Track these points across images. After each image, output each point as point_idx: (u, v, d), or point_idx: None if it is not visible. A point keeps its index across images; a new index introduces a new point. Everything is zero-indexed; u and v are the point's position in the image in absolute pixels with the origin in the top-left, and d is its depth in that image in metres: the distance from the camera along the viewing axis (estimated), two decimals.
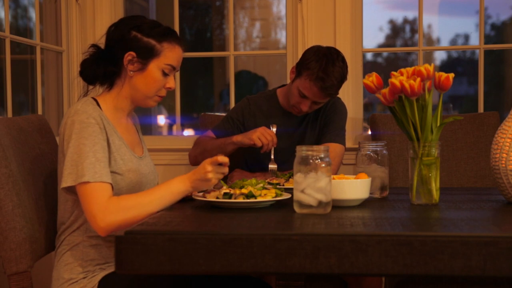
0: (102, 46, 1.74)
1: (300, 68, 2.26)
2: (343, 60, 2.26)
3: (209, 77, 5.11)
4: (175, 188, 1.57)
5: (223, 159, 1.56)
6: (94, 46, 1.73)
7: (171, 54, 1.70)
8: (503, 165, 1.58)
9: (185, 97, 4.06)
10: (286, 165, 2.29)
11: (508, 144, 1.58)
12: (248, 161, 2.43)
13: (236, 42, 4.11)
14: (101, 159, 1.55)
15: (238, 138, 2.20)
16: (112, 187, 1.57)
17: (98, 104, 1.67)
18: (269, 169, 2.23)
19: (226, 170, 1.58)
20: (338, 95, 2.49)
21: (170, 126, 4.81)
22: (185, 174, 1.59)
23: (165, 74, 1.70)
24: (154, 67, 1.68)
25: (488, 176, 2.57)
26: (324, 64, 2.20)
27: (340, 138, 2.35)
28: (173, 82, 1.74)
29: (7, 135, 1.71)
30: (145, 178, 1.73)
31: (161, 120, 4.97)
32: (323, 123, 2.40)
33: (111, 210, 1.50)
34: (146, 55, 1.67)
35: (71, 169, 1.54)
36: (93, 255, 1.65)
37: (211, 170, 1.55)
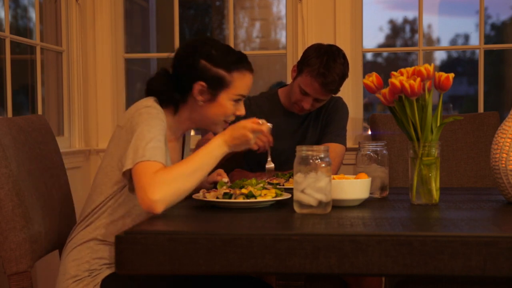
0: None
1: (301, 65, 2.27)
2: (344, 57, 2.27)
3: None
4: (217, 152, 1.51)
5: (266, 126, 1.54)
6: (163, 69, 1.72)
7: (241, 84, 1.68)
8: (503, 165, 1.58)
9: None
10: (287, 165, 2.28)
11: (508, 144, 1.58)
12: (248, 162, 2.42)
13: (236, 42, 4.11)
14: (161, 146, 1.50)
15: None
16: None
17: None
18: (266, 169, 2.22)
19: (264, 127, 1.56)
20: (339, 95, 2.49)
21: None
22: (221, 136, 1.54)
23: (235, 103, 1.70)
24: (225, 98, 1.67)
25: (488, 176, 2.57)
26: (325, 61, 2.21)
27: (340, 138, 2.35)
28: (243, 109, 1.73)
29: (7, 135, 1.71)
30: None
31: None
32: (324, 123, 2.39)
33: (159, 181, 1.40)
34: (216, 86, 1.66)
35: (133, 154, 1.48)
36: (101, 254, 1.64)
37: (252, 137, 1.53)
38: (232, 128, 1.55)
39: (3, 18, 2.51)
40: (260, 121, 1.57)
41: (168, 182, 1.41)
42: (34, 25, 2.72)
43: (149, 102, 1.62)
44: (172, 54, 1.76)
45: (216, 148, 1.52)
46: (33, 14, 2.75)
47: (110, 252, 1.64)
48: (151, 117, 1.56)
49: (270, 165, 2.23)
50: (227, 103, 1.68)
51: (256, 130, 1.53)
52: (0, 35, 2.41)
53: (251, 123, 1.54)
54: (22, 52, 2.82)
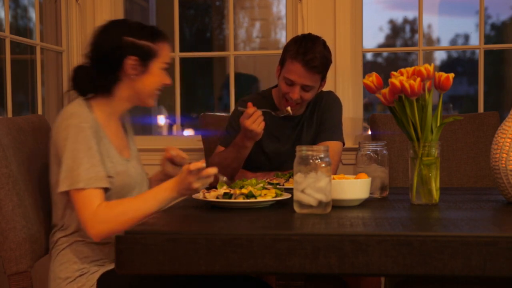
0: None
1: (282, 57, 2.27)
2: (324, 43, 2.25)
3: (209, 77, 5.11)
4: (161, 196, 1.57)
5: (202, 164, 1.51)
6: (80, 66, 1.75)
7: (166, 53, 1.75)
8: (503, 165, 1.58)
9: (185, 97, 4.05)
10: (286, 166, 2.28)
11: (508, 144, 1.58)
12: (247, 163, 2.41)
13: (236, 42, 4.11)
14: (96, 164, 1.57)
15: (245, 142, 2.17)
16: (107, 190, 1.59)
17: (91, 106, 1.68)
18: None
19: (210, 171, 1.52)
20: (337, 93, 2.47)
21: (170, 126, 4.81)
22: (173, 181, 1.57)
23: (163, 72, 1.75)
24: (156, 67, 1.72)
25: (488, 176, 2.57)
26: (303, 44, 2.21)
27: (336, 135, 2.31)
28: (169, 78, 1.78)
29: (7, 135, 1.71)
30: (133, 180, 1.73)
31: (161, 120, 4.97)
32: (319, 122, 2.36)
33: (100, 219, 1.53)
34: (146, 56, 1.70)
35: (66, 174, 1.56)
36: (86, 253, 1.65)
37: (193, 180, 1.52)
38: (180, 174, 1.55)
39: (3, 18, 2.51)
40: (200, 162, 1.52)
41: (108, 221, 1.54)
42: (34, 25, 2.72)
43: (74, 108, 1.64)
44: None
45: (161, 192, 1.58)
46: (33, 14, 2.75)
47: (93, 250, 1.66)
48: (78, 130, 1.58)
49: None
50: (158, 71, 1.73)
51: (195, 171, 1.50)
52: (0, 35, 2.41)
53: (191, 167, 1.50)
54: (22, 52, 2.82)
